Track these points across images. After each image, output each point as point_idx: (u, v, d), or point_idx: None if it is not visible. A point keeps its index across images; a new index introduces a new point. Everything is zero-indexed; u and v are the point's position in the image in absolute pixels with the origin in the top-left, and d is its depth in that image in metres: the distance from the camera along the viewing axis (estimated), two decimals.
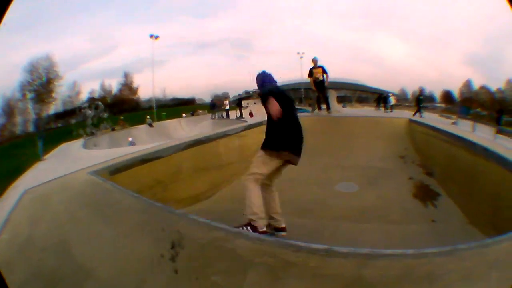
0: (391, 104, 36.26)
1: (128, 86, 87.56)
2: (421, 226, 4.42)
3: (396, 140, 8.59)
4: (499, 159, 4.21)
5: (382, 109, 34.12)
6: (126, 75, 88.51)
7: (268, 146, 3.99)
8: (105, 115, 38.04)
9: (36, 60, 63.71)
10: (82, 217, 2.97)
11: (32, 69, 63.71)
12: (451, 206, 5.09)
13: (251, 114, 33.24)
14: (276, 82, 4.46)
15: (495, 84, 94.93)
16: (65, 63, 72.71)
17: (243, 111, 35.28)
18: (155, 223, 2.63)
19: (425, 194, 5.61)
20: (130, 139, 26.26)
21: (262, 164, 3.95)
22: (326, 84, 11.75)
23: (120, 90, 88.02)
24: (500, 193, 3.96)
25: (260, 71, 4.57)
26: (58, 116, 70.91)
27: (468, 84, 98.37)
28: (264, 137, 4.17)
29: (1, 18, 2.35)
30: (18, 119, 64.38)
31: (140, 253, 2.42)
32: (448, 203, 5.22)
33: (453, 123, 24.45)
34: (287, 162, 4.11)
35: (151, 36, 51.92)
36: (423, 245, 3.73)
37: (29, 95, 63.86)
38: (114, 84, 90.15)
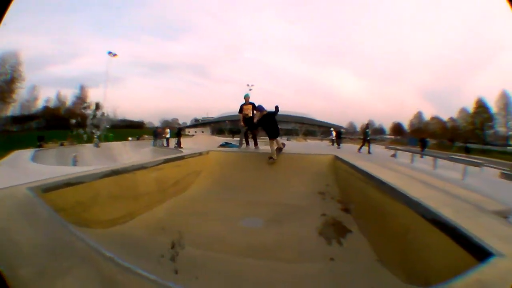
0: (333, 138, 37.77)
1: (82, 100, 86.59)
2: (315, 265, 4.40)
3: (319, 177, 8.84)
4: (406, 200, 4.26)
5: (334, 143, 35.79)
6: (81, 88, 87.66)
7: (269, 136, 10.06)
8: (105, 114, 38.92)
9: (4, 54, 62.18)
10: (13, 224, 3.10)
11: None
12: (362, 243, 5.11)
13: (179, 144, 34.59)
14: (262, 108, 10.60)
15: (447, 114, 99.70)
16: (27, 63, 71.15)
17: (188, 139, 36.79)
18: (58, 238, 2.92)
19: (334, 231, 5.65)
20: (74, 154, 26.96)
21: (271, 142, 9.95)
22: (255, 120, 11.98)
23: (74, 103, 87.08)
24: (408, 233, 3.97)
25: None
26: (15, 119, 69.29)
27: (418, 116, 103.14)
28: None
29: (1, 18, 2.39)
30: None
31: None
32: (359, 241, 5.26)
33: (392, 155, 25.43)
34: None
35: (109, 53, 51.44)
36: (302, 285, 3.87)
37: None
38: (69, 96, 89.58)
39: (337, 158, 9.29)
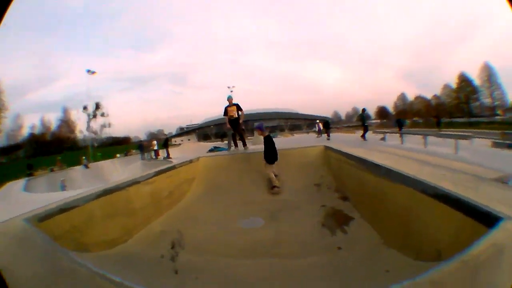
0: (320, 129, 37.30)
1: (66, 123, 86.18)
2: (322, 257, 4.38)
3: (312, 169, 8.91)
4: (403, 179, 4.26)
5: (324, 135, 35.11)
6: (65, 111, 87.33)
7: (267, 161, 8.79)
8: (105, 114, 38.90)
9: None
10: (14, 258, 3.00)
11: None
12: (366, 228, 5.14)
13: (168, 155, 34.67)
14: (262, 128, 9.46)
15: (430, 92, 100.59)
16: (9, 92, 70.07)
17: (175, 148, 36.99)
18: (59, 267, 2.85)
19: (336, 221, 5.65)
20: (61, 179, 27.11)
21: (269, 168, 8.66)
22: (240, 121, 12.19)
23: (59, 127, 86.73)
24: (410, 211, 3.99)
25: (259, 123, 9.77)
26: (3, 150, 68.50)
27: (402, 97, 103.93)
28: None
29: (1, 18, 2.35)
30: None
31: None
32: (362, 227, 5.28)
33: (382, 139, 25.61)
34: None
35: (88, 71, 51.35)
36: (313, 277, 3.84)
37: None
38: (53, 120, 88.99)
39: (327, 148, 9.35)
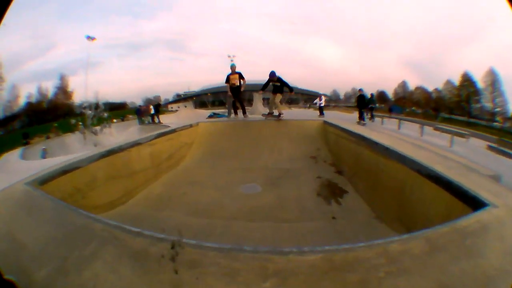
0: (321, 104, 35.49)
1: (63, 90, 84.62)
2: (318, 223, 4.56)
3: (309, 141, 8.94)
4: (400, 158, 4.42)
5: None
6: (62, 78, 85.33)
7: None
8: (105, 115, 38.25)
9: None
10: (19, 224, 3.03)
11: None
12: (358, 202, 5.33)
13: (158, 121, 34.95)
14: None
15: (432, 85, 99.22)
16: (5, 64, 68.17)
17: (171, 115, 36.89)
18: (70, 225, 2.82)
19: (330, 192, 5.79)
20: (43, 148, 26.44)
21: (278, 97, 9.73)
22: (242, 89, 12.30)
23: (56, 94, 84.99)
24: (404, 189, 4.16)
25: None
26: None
27: (403, 85, 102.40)
28: None
29: (1, 18, 2.31)
30: None
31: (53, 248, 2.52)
32: (355, 200, 5.46)
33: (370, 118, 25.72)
34: None
35: (88, 37, 50.56)
36: (308, 242, 3.98)
37: None
38: (50, 88, 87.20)
39: (326, 123, 9.37)
